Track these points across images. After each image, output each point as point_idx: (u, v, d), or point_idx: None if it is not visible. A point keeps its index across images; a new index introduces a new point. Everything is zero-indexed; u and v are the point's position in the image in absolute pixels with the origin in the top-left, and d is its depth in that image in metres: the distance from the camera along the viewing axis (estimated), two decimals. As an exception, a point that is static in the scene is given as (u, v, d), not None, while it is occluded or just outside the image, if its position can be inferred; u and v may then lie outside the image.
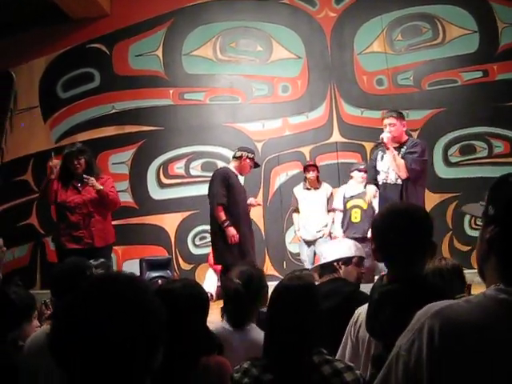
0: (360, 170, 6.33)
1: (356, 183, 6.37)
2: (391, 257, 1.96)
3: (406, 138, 4.99)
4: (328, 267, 3.17)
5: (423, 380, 1.02)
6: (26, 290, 3.14)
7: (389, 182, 4.90)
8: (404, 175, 4.76)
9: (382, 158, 4.99)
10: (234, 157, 5.61)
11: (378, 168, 5.01)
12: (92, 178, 5.14)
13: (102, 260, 3.44)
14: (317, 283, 3.05)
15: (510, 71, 7.33)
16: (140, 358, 1.13)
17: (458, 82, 7.44)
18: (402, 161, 4.77)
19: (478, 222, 7.16)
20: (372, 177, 5.13)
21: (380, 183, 5.03)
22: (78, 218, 5.25)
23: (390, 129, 4.85)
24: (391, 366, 1.09)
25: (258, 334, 2.54)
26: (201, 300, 2.19)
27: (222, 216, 5.24)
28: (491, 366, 0.99)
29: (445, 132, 7.38)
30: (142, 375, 1.15)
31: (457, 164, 7.40)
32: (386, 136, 4.79)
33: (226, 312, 2.69)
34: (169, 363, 1.21)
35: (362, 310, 2.50)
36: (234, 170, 5.51)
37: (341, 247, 3.24)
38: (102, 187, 5.17)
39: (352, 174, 6.47)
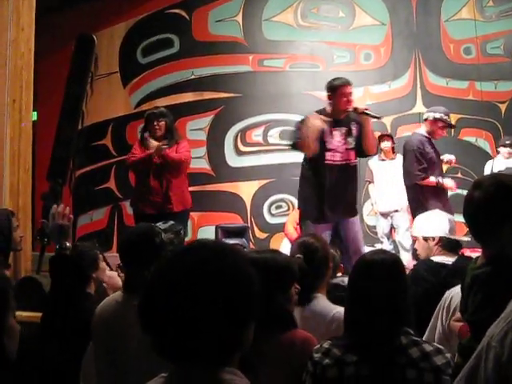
0: (505, 146, 6.42)
1: (503, 158, 6.37)
2: (483, 236, 1.80)
3: None
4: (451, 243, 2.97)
5: None
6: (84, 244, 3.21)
7: None
8: None
9: None
10: (424, 119, 5.05)
11: None
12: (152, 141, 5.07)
13: (172, 223, 3.35)
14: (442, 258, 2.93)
15: None
16: (230, 330, 1.06)
17: (552, 52, 7.05)
18: None
19: None
20: None
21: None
22: (156, 183, 5.24)
23: None
24: (480, 356, 0.97)
25: (321, 306, 2.43)
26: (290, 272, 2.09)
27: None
28: None
29: (535, 105, 7.03)
30: (233, 349, 1.09)
31: (547, 140, 7.03)
32: None
33: None
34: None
35: (453, 293, 2.35)
36: (425, 134, 4.93)
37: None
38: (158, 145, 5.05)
39: (499, 150, 6.52)
